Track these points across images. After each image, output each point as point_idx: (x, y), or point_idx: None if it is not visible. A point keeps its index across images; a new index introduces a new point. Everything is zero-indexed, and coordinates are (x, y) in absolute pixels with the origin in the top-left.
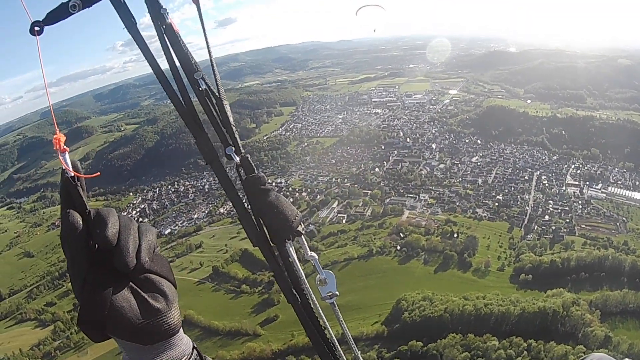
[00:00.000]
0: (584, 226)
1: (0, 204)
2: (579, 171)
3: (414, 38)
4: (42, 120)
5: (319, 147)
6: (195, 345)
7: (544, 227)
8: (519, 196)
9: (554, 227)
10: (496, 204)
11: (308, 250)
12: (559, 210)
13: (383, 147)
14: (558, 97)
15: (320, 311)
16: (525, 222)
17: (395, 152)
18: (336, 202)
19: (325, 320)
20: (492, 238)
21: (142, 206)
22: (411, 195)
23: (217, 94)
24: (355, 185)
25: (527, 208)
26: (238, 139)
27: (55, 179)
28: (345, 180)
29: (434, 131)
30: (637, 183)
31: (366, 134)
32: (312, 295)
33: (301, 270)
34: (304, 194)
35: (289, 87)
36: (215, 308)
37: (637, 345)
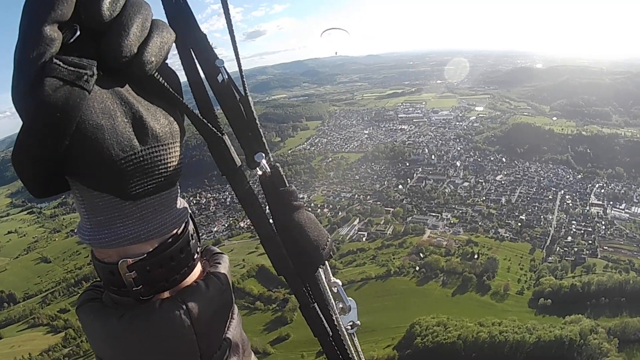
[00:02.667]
0: (606, 248)
1: (21, 208)
2: (603, 190)
3: (441, 53)
4: None
5: (344, 163)
6: (191, 214)
7: (566, 249)
8: (542, 216)
9: (576, 249)
10: (519, 224)
11: (331, 276)
12: (582, 231)
13: (407, 164)
14: (583, 114)
15: (352, 347)
16: (548, 243)
17: (420, 169)
18: (357, 220)
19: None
20: (513, 260)
21: None
22: (434, 214)
23: (242, 91)
24: (378, 203)
25: (550, 229)
26: (267, 145)
27: None
28: (368, 197)
29: (459, 148)
30: None
31: (391, 150)
32: (344, 329)
33: (333, 301)
34: (325, 209)
35: (315, 101)
36: None
37: None
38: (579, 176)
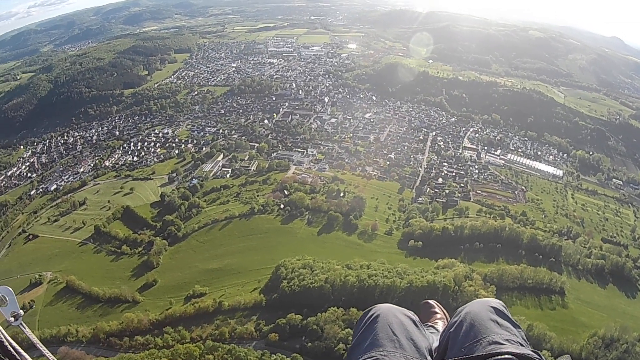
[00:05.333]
0: (479, 192)
1: None
2: (477, 135)
3: None
4: None
5: (209, 97)
6: None
7: (437, 190)
8: (412, 156)
9: (447, 191)
10: (387, 162)
11: None
12: (454, 174)
13: (274, 99)
14: (462, 60)
15: (9, 338)
16: (417, 183)
17: (287, 104)
18: (222, 155)
19: (14, 343)
20: (381, 199)
21: (32, 160)
22: (299, 150)
23: None
24: (243, 138)
25: (420, 169)
26: None
27: None
28: (233, 132)
29: (327, 84)
30: (539, 153)
31: (258, 84)
32: None
33: None
34: (189, 145)
35: (185, 34)
36: (96, 271)
37: (536, 327)
38: (453, 119)
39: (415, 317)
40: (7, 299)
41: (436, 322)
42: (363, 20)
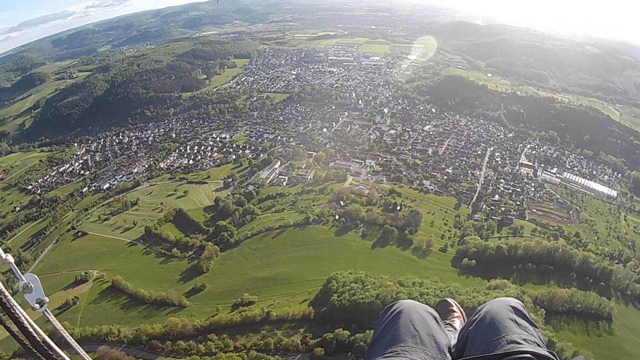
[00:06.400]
0: (534, 210)
1: None
2: (534, 152)
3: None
4: None
5: (268, 103)
6: None
7: (492, 208)
8: (469, 171)
9: (503, 209)
10: (445, 177)
11: (2, 253)
12: (510, 191)
13: (334, 108)
14: (520, 75)
15: (30, 320)
16: (474, 199)
17: (346, 113)
18: (279, 163)
19: (33, 323)
20: (437, 214)
21: (85, 158)
22: (357, 160)
23: None
24: (301, 146)
25: (477, 185)
26: None
27: (4, 128)
28: (291, 139)
29: (387, 95)
30: (594, 172)
31: (318, 92)
32: (19, 308)
33: None
34: (247, 151)
35: (245, 39)
36: (144, 273)
37: (582, 354)
38: (510, 135)
39: (436, 314)
40: (33, 286)
41: (454, 320)
42: (422, 31)
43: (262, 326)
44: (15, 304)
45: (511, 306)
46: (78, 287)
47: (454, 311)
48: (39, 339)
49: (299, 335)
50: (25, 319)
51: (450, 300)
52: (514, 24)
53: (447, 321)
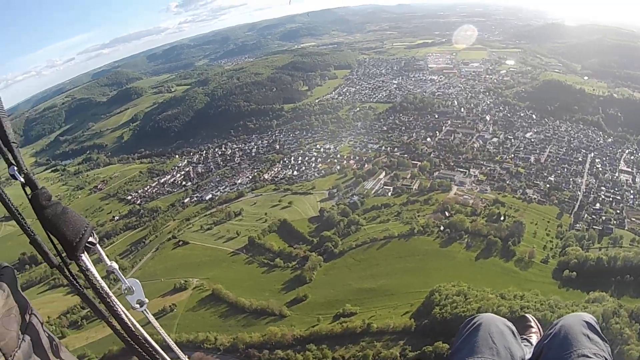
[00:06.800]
0: (634, 219)
1: (45, 166)
2: (632, 157)
3: (472, 5)
4: (92, 81)
5: (371, 113)
6: None
7: (594, 217)
8: (571, 179)
9: (603, 218)
10: (547, 185)
11: (107, 260)
12: (611, 199)
13: (436, 116)
14: (615, 76)
15: (132, 318)
16: (576, 208)
17: (449, 121)
18: (383, 173)
19: (140, 327)
20: (540, 224)
21: (187, 169)
22: (461, 170)
23: None
24: (405, 156)
25: (579, 193)
26: (19, 156)
27: (102, 140)
28: (395, 149)
29: (488, 102)
30: None
31: (420, 101)
32: (121, 308)
33: (102, 282)
34: (351, 161)
35: (344, 50)
36: (245, 282)
37: None
38: (609, 139)
39: (514, 328)
40: (135, 289)
41: (530, 336)
42: (518, 35)
43: (362, 338)
44: (118, 303)
45: (585, 321)
46: (176, 294)
47: (532, 327)
48: (140, 337)
49: (398, 348)
50: (127, 317)
51: (528, 315)
52: (605, 23)
53: (524, 336)
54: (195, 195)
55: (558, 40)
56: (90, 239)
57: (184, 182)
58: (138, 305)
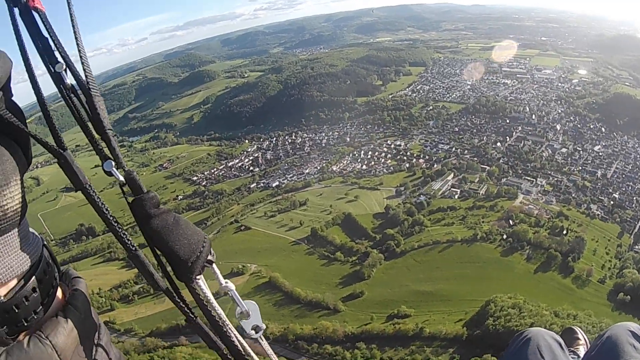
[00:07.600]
0: None
1: None
2: None
3: (547, 10)
4: (164, 62)
5: (444, 113)
6: (45, 244)
7: None
8: (635, 197)
9: None
10: (611, 202)
11: (222, 280)
12: None
13: (508, 121)
14: None
15: (251, 351)
16: (637, 229)
17: (520, 128)
18: (452, 175)
19: (251, 351)
20: (601, 242)
21: (256, 155)
22: (529, 178)
23: (87, 89)
24: (474, 159)
25: None
26: (117, 149)
27: (171, 120)
28: (465, 151)
29: (560, 111)
30: None
31: (492, 105)
32: (239, 337)
33: (219, 310)
34: (421, 160)
35: (419, 47)
36: (303, 273)
37: None
38: None
39: (562, 341)
40: (251, 313)
41: (578, 348)
42: (591, 44)
43: (413, 341)
44: (237, 333)
45: (631, 331)
46: (233, 279)
47: (579, 339)
48: None
49: (447, 356)
50: (245, 348)
51: (576, 328)
52: None
53: (572, 349)
54: (262, 181)
55: (630, 53)
56: (209, 257)
57: (251, 168)
58: (253, 332)
